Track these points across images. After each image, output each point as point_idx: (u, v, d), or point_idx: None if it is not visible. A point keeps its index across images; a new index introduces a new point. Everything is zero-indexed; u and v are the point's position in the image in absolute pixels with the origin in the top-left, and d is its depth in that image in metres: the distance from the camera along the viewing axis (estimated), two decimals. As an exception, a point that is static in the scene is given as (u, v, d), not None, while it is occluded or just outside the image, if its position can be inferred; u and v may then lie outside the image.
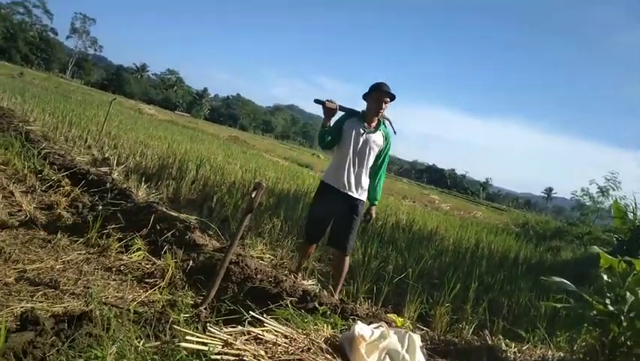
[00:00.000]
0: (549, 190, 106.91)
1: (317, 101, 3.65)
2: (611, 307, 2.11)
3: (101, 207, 4.19)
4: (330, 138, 3.66)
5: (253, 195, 2.84)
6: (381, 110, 3.59)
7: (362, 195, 3.66)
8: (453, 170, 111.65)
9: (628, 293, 2.12)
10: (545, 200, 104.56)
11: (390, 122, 3.80)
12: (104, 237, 3.65)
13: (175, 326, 1.46)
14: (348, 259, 3.74)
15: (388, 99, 3.59)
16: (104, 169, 5.33)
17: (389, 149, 3.76)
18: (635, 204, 6.24)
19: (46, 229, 3.72)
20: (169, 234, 3.75)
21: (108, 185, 4.63)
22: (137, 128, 12.49)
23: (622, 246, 6.02)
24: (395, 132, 3.82)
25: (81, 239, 3.64)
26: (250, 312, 1.67)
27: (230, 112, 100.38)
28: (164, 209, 4.32)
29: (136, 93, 77.39)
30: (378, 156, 3.71)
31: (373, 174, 3.76)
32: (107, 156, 6.67)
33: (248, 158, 14.15)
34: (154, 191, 5.52)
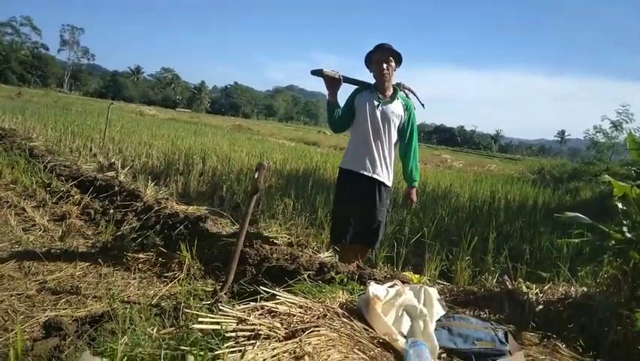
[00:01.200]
0: (562, 133, 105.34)
1: (315, 73, 3.14)
2: (628, 235, 2.07)
3: (112, 210, 4.22)
4: (339, 116, 3.23)
5: (256, 176, 2.83)
6: (386, 73, 3.12)
7: (388, 177, 3.21)
8: (462, 127, 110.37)
9: (645, 218, 2.07)
10: (559, 143, 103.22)
11: (415, 93, 3.37)
12: (119, 239, 3.69)
13: (187, 311, 1.47)
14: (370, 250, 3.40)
15: (392, 59, 3.14)
16: (111, 173, 5.36)
17: (414, 120, 3.26)
18: (650, 133, 6.08)
19: (62, 239, 3.76)
20: (181, 227, 3.77)
21: (116, 188, 4.66)
22: (140, 130, 12.53)
23: (640, 177, 5.92)
24: (423, 105, 3.39)
25: (97, 244, 3.70)
26: (261, 287, 1.67)
27: (230, 101, 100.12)
28: (174, 204, 4.34)
29: (135, 96, 77.52)
30: (401, 130, 3.23)
31: (403, 152, 3.30)
32: (112, 161, 6.70)
33: (253, 144, 14.14)
34: (163, 188, 5.55)
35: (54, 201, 4.65)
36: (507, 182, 11.85)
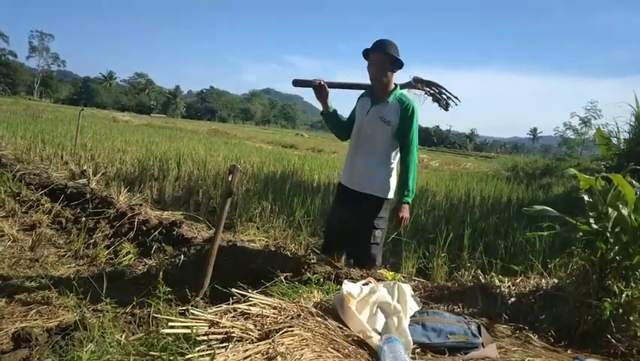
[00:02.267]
0: (534, 131, 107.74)
1: (297, 83, 2.94)
2: (595, 226, 2.13)
3: (84, 218, 4.13)
4: (337, 128, 3.06)
5: (230, 179, 2.82)
6: (380, 76, 2.78)
7: (374, 189, 2.86)
8: (437, 126, 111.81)
9: (610, 209, 2.13)
10: (532, 141, 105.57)
11: (433, 91, 2.86)
12: (91, 247, 3.62)
13: (158, 316, 1.44)
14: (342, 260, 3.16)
15: (386, 59, 2.75)
16: (83, 181, 5.24)
17: (410, 123, 2.77)
18: (618, 129, 6.26)
19: (32, 248, 3.66)
20: (156, 233, 3.72)
21: (88, 196, 4.56)
22: (113, 136, 12.28)
23: (610, 172, 6.06)
24: (447, 105, 2.92)
25: (69, 253, 3.61)
26: (234, 290, 1.65)
27: (206, 106, 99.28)
28: (149, 210, 4.28)
29: (108, 103, 76.17)
30: (396, 135, 2.82)
31: (400, 160, 2.91)
32: (84, 168, 6.55)
33: (230, 148, 14.02)
34: (137, 195, 5.46)
35: (24, 210, 4.52)
36: (482, 179, 12.05)
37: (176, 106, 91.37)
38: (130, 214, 4.06)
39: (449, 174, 14.10)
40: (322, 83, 2.87)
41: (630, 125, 6.04)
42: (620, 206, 2.11)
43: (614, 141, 6.20)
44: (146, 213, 4.09)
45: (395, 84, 2.86)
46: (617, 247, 2.12)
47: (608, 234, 2.12)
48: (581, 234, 2.20)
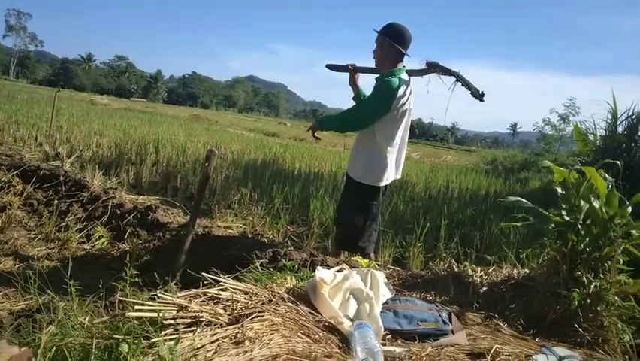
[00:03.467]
0: (514, 126, 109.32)
1: (331, 67, 3.04)
2: (567, 218, 2.16)
3: (56, 201, 4.03)
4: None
5: (207, 164, 2.78)
6: (375, 57, 2.84)
7: (349, 169, 2.96)
8: (419, 119, 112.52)
9: (582, 202, 2.16)
10: (512, 136, 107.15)
11: (444, 73, 2.65)
12: (63, 230, 3.53)
13: (124, 299, 1.41)
14: (336, 229, 3.23)
15: (378, 39, 2.79)
16: (56, 163, 5.11)
17: (373, 92, 2.76)
18: (595, 126, 6.36)
19: (1, 230, 3.56)
20: (130, 217, 3.65)
21: (61, 178, 4.45)
22: (91, 119, 12.00)
23: (587, 168, 6.17)
24: (480, 96, 2.61)
25: (39, 236, 3.52)
26: (204, 274, 1.63)
27: (188, 91, 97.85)
28: (124, 194, 4.20)
29: (86, 85, 74.41)
30: None
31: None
32: (59, 150, 6.39)
33: (211, 134, 13.85)
34: (113, 178, 5.35)
35: (-7, 192, 4.38)
36: (461, 172, 12.17)
37: (157, 91, 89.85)
38: (104, 198, 3.98)
39: (429, 167, 14.19)
40: (352, 67, 2.95)
41: (607, 122, 6.15)
42: (592, 199, 2.14)
43: (591, 137, 6.32)
44: (120, 197, 4.01)
45: (401, 67, 2.78)
46: (587, 239, 2.16)
47: (580, 226, 2.16)
48: (553, 225, 2.23)
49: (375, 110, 2.71)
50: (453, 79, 2.63)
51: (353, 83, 3.02)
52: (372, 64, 2.91)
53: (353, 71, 2.97)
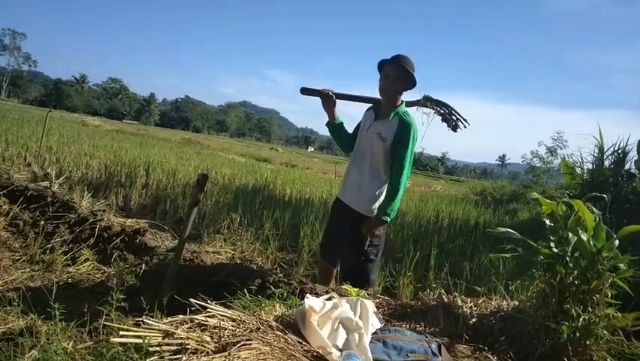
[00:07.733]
0: (503, 157, 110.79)
1: (304, 91, 2.88)
2: (555, 250, 2.18)
3: (42, 222, 3.97)
4: (341, 139, 3.02)
5: (197, 188, 2.78)
6: (392, 89, 2.72)
7: (362, 207, 2.81)
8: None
9: (570, 234, 2.19)
10: (500, 167, 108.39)
11: (443, 111, 2.76)
12: (48, 252, 3.47)
13: (109, 324, 1.38)
14: (334, 272, 3.16)
15: (394, 74, 2.67)
16: (44, 183, 5.05)
17: (407, 142, 2.66)
18: (582, 159, 6.48)
19: (-15, 252, 3.49)
20: (118, 240, 3.60)
21: (49, 199, 4.39)
22: (81, 140, 11.96)
23: (574, 201, 6.27)
24: (455, 126, 2.80)
25: (24, 257, 3.46)
26: (192, 300, 1.60)
27: (181, 115, 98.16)
28: (112, 216, 4.15)
29: (78, 106, 74.37)
30: (390, 153, 2.74)
31: (390, 178, 2.79)
32: (47, 171, 6.34)
33: (202, 158, 13.84)
34: (102, 200, 5.30)
35: (-22, 212, 4.31)
36: (451, 202, 12.23)
37: (149, 113, 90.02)
38: (92, 220, 3.93)
39: (420, 196, 14.26)
40: (330, 93, 2.86)
41: (594, 156, 6.27)
42: (580, 231, 2.16)
43: (578, 170, 6.43)
44: (108, 220, 3.96)
45: (402, 101, 2.81)
46: (575, 272, 2.17)
47: (568, 258, 2.17)
48: (541, 257, 2.24)
49: (411, 157, 2.75)
50: (432, 110, 2.76)
51: (329, 109, 2.92)
52: (374, 93, 2.87)
53: (330, 97, 2.87)
